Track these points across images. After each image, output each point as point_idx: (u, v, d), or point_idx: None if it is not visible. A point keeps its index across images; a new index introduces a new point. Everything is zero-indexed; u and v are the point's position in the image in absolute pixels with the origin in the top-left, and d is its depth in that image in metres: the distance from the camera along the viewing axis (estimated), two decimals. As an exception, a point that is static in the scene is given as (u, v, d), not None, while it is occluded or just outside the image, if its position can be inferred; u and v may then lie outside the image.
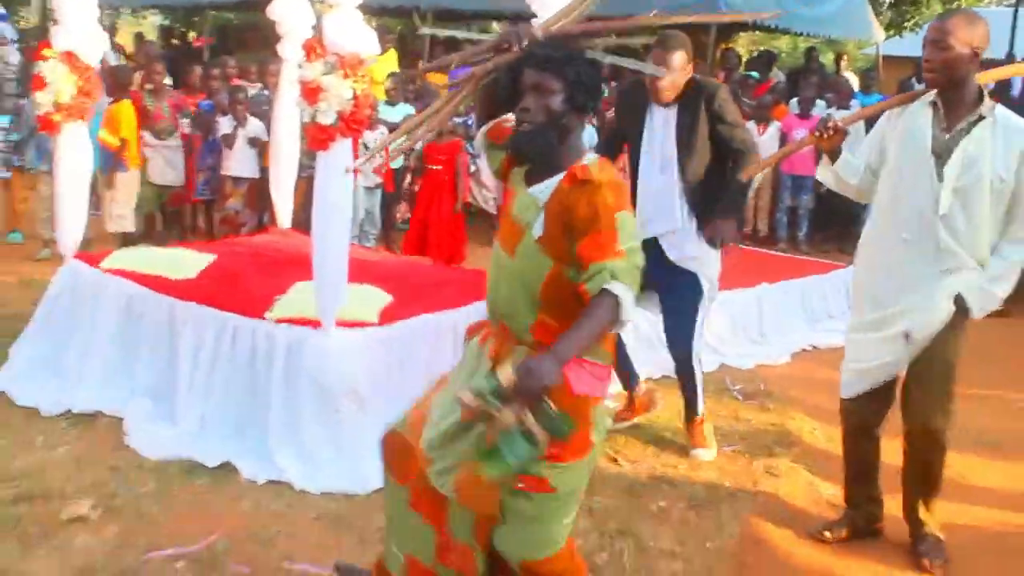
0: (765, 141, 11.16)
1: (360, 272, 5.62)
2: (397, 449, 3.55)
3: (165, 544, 4.38)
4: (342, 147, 5.11)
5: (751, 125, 10.88)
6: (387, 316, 5.46)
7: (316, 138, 5.08)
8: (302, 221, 7.40)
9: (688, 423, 5.76)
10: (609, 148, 5.92)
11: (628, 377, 6.03)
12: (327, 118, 5.01)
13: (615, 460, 5.54)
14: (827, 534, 4.75)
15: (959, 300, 4.29)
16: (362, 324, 5.32)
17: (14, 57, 13.10)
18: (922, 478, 4.61)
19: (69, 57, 6.07)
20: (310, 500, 4.90)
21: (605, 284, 3.02)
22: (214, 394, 5.51)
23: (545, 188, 3.27)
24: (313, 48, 5.07)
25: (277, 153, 7.33)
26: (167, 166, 9.96)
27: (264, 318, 5.38)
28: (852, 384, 4.66)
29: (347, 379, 5.15)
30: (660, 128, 5.45)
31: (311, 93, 5.01)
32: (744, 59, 15.96)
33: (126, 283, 5.97)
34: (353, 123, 5.06)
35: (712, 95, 5.37)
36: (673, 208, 5.45)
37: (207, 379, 5.53)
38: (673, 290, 5.55)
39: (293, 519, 4.72)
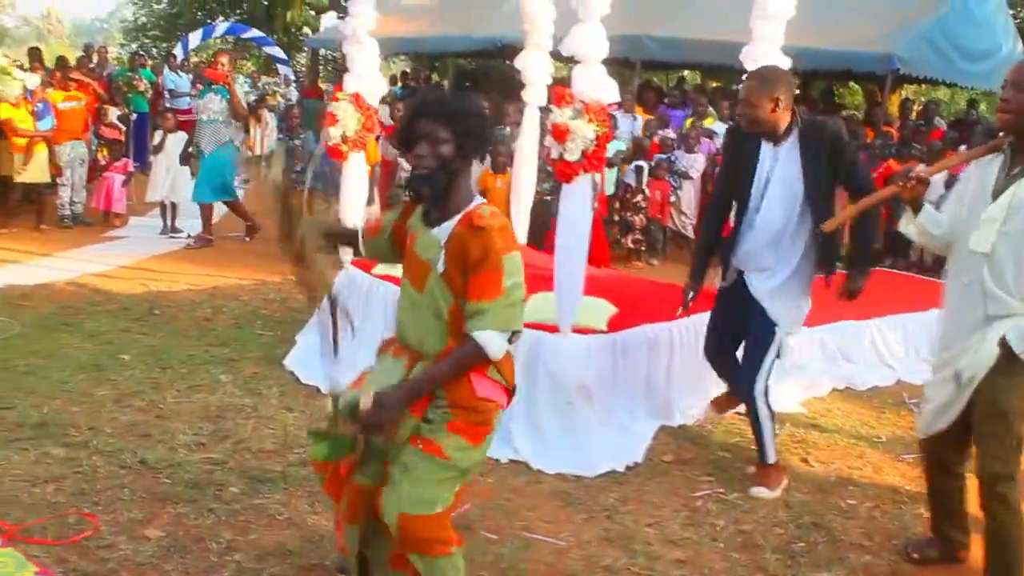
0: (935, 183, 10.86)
1: (592, 286, 5.78)
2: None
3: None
4: (584, 180, 5.31)
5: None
6: (615, 324, 5.61)
7: (563, 172, 5.28)
8: (531, 240, 7.66)
9: (757, 464, 5.17)
10: (720, 198, 5.27)
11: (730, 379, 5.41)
12: (573, 156, 5.20)
13: (806, 461, 5.54)
14: (914, 555, 4.41)
15: (1004, 343, 3.81)
16: (593, 331, 5.49)
17: (293, 96, 13.82)
18: (997, 560, 3.99)
19: (356, 98, 6.47)
20: (544, 479, 5.07)
21: (474, 331, 3.14)
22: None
23: (444, 229, 3.27)
24: (563, 96, 5.27)
25: (518, 181, 7.56)
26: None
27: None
28: (924, 424, 4.28)
29: (579, 377, 5.32)
30: (770, 165, 4.85)
31: (560, 134, 5.21)
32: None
33: (391, 287, 6.28)
34: (594, 160, 5.25)
35: (829, 132, 4.87)
36: (779, 247, 4.89)
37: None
38: (748, 328, 5.04)
39: (530, 494, 4.89)
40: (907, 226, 4.25)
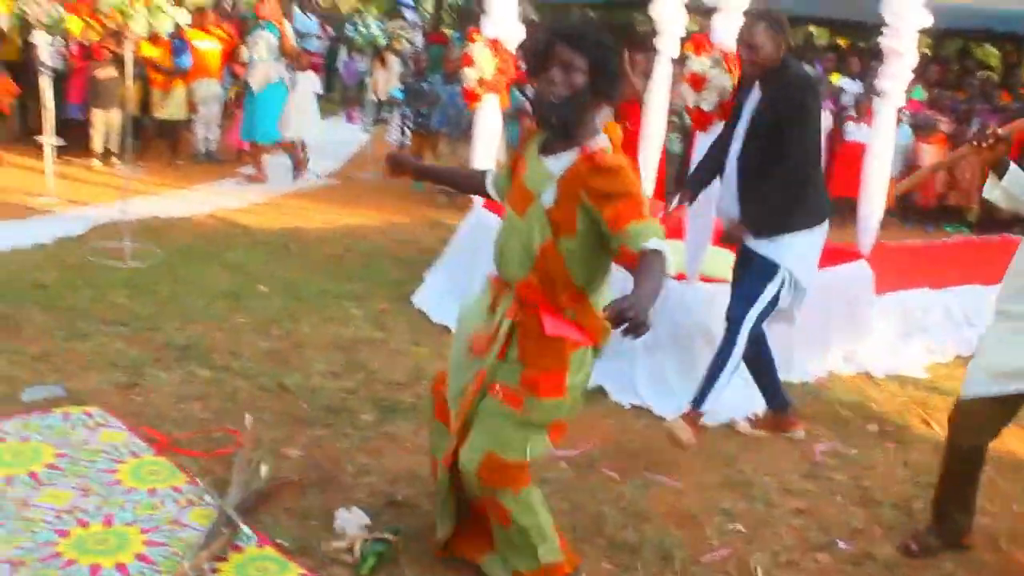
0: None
1: (718, 238, 5.82)
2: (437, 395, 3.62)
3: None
4: (718, 129, 5.33)
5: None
6: (740, 275, 5.66)
7: (698, 121, 5.32)
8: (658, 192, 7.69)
9: (692, 404, 4.78)
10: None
11: (773, 396, 5.18)
12: (709, 104, 5.24)
13: (927, 423, 5.53)
14: (913, 547, 4.06)
15: None
16: (719, 280, 5.55)
17: (418, 40, 13.96)
18: None
19: (494, 43, 6.59)
20: (664, 424, 5.18)
21: (648, 244, 2.85)
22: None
23: (559, 162, 3.16)
24: (702, 44, 5.30)
25: (647, 132, 7.57)
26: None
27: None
28: (978, 384, 3.85)
29: (703, 324, 5.39)
30: (747, 110, 4.75)
31: (697, 83, 5.25)
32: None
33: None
34: (730, 109, 5.26)
35: (793, 84, 4.60)
36: (733, 196, 4.81)
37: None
38: (745, 266, 4.84)
39: (650, 437, 4.99)
40: (992, 190, 3.85)
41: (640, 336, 2.62)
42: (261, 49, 10.53)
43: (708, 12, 5.64)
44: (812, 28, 19.57)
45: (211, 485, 4.02)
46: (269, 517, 3.84)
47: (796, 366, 5.90)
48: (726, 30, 5.27)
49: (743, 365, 4.89)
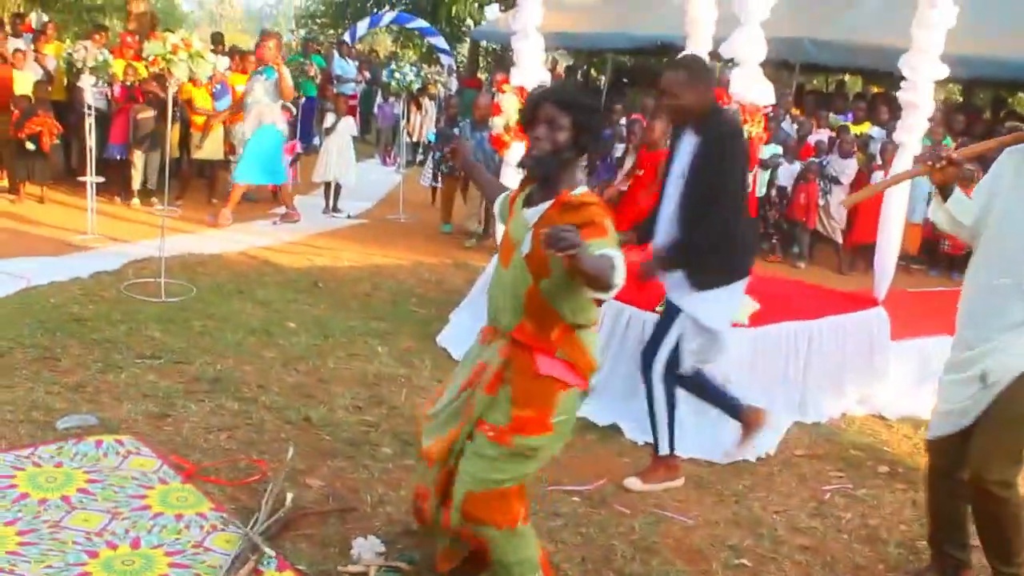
0: None
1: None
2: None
3: (564, 481, 4.89)
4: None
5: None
6: (756, 320, 5.80)
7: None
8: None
9: (652, 455, 5.03)
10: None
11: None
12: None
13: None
14: None
15: None
16: (736, 324, 5.68)
17: (454, 85, 14.23)
18: (991, 539, 3.99)
19: (521, 91, 6.81)
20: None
21: (601, 250, 3.07)
22: (606, 368, 5.98)
23: (535, 212, 3.39)
24: (720, 97, 5.48)
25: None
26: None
27: (655, 311, 5.82)
28: (936, 426, 4.07)
29: (720, 366, 5.51)
30: (680, 153, 4.79)
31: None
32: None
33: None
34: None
35: (719, 130, 4.66)
36: (665, 236, 4.85)
37: (602, 356, 6.00)
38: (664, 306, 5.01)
39: (663, 475, 5.14)
40: (935, 213, 3.98)
41: (565, 251, 2.87)
42: (257, 92, 10.51)
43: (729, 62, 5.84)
44: (847, 76, 19.74)
45: (236, 512, 4.20)
46: (290, 543, 4.00)
47: (810, 407, 6.03)
48: (744, 82, 5.45)
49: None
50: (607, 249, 3.11)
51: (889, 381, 6.52)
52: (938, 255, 11.82)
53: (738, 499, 4.92)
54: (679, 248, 4.75)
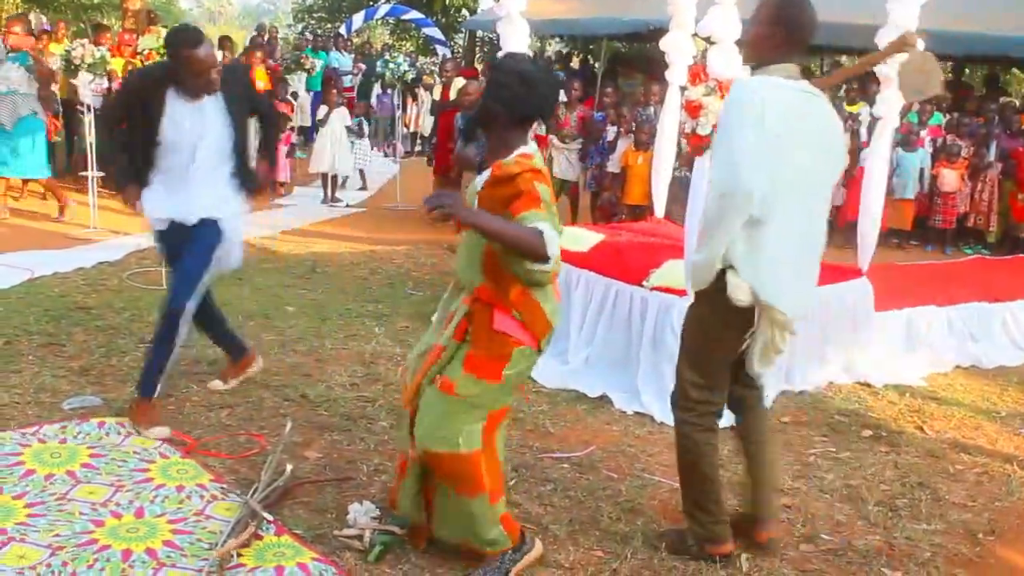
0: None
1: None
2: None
3: (554, 449, 5.05)
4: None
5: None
6: (739, 291, 5.93)
7: (695, 145, 5.61)
8: (671, 212, 7.99)
9: (136, 400, 5.01)
10: None
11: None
12: (704, 130, 5.53)
13: (921, 429, 5.74)
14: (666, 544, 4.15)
15: None
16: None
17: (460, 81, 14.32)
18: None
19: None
20: (666, 430, 5.34)
21: (531, 222, 3.29)
22: (596, 341, 6.15)
23: (481, 179, 3.58)
24: (698, 74, 5.61)
25: (658, 157, 7.89)
26: (568, 165, 10.83)
27: (641, 285, 5.97)
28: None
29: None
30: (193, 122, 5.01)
31: (693, 110, 5.54)
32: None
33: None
34: (725, 134, 5.56)
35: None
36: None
37: (592, 329, 6.19)
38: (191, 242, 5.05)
39: (652, 443, 5.27)
40: None
41: (440, 217, 3.22)
42: (13, 80, 9.89)
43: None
44: (844, 58, 19.80)
45: (236, 483, 4.36)
46: (288, 510, 4.15)
47: (796, 376, 6.16)
48: (720, 59, 5.57)
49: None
50: (537, 221, 3.30)
51: (874, 350, 6.65)
52: (930, 230, 11.95)
53: (723, 464, 5.02)
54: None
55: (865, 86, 13.66)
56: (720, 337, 3.91)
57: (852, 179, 11.50)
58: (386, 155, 17.46)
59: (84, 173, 10.16)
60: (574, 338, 6.24)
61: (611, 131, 10.98)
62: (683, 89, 7.20)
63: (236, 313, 6.89)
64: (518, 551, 3.79)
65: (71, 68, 10.22)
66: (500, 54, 7.21)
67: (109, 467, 4.44)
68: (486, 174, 3.57)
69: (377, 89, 18.17)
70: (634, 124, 10.64)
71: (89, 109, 10.16)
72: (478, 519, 3.69)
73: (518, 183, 3.42)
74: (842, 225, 11.50)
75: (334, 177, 12.38)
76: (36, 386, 5.32)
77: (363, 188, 13.25)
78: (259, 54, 12.75)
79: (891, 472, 5.10)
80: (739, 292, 3.73)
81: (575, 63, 21.49)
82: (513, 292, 3.54)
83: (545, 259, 3.31)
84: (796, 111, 3.73)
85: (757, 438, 4.23)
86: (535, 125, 3.95)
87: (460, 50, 24.92)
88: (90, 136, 10.06)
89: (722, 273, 3.75)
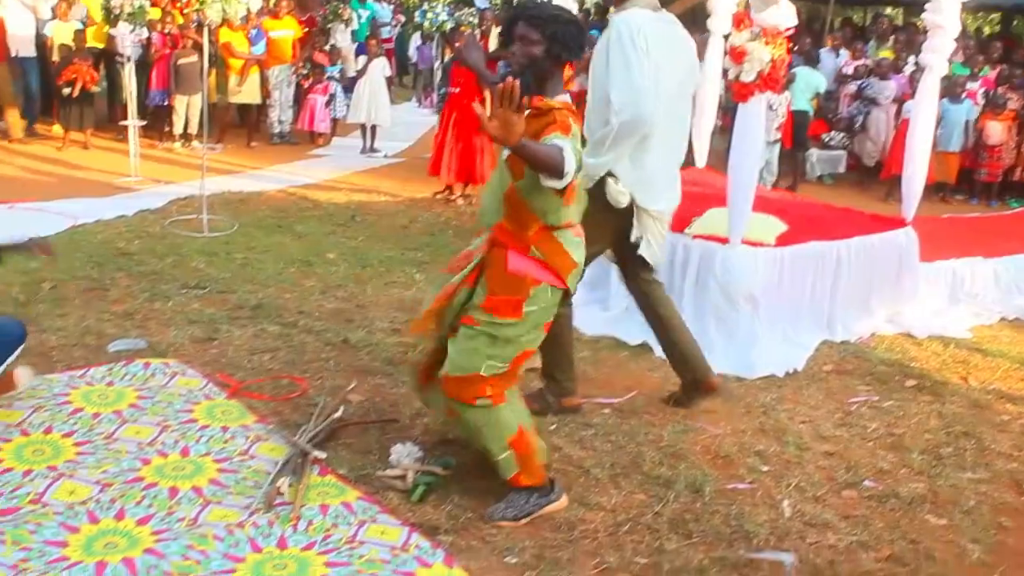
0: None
1: (764, 205, 6.06)
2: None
3: (596, 395, 5.04)
4: (758, 101, 5.56)
5: None
6: (783, 240, 5.88)
7: (739, 93, 5.54)
8: (713, 162, 7.92)
9: None
10: None
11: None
12: (748, 76, 5.46)
13: (965, 379, 5.69)
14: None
15: None
16: (762, 244, 5.77)
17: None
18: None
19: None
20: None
21: (554, 140, 3.40)
22: (637, 290, 6.13)
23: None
24: (742, 19, 5.52)
25: (701, 106, 7.79)
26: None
27: (683, 233, 5.93)
28: None
29: (746, 286, 5.62)
30: None
31: (737, 56, 5.47)
32: None
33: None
34: (769, 82, 5.49)
35: None
36: None
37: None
38: None
39: (693, 389, 5.27)
40: None
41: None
42: None
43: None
44: (888, 9, 19.45)
45: (278, 425, 4.39)
46: (331, 452, 4.18)
47: (839, 326, 6.12)
48: (765, 5, 5.47)
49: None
50: (559, 140, 3.41)
51: (919, 301, 6.59)
52: (976, 184, 11.78)
53: (766, 411, 5.04)
54: None
55: (911, 36, 13.47)
56: (599, 226, 4.33)
57: (897, 133, 11.38)
58: (420, 104, 17.40)
59: (124, 122, 10.20)
60: (615, 285, 6.19)
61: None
62: (726, 38, 7.13)
63: (277, 260, 6.94)
64: (543, 496, 3.84)
65: (111, 17, 10.24)
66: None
67: (155, 408, 4.48)
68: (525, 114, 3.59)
69: (416, 40, 18.08)
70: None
71: (128, 59, 10.18)
72: (477, 429, 3.78)
73: (554, 115, 3.53)
74: (885, 178, 11.40)
75: (373, 127, 12.34)
76: (82, 329, 5.37)
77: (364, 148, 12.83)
78: (284, 3, 12.63)
79: (935, 421, 5.06)
80: (621, 197, 4.45)
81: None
82: (532, 230, 3.62)
83: (560, 175, 3.39)
84: (666, 39, 4.44)
85: (664, 307, 4.84)
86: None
87: (498, 1, 24.69)
88: (130, 86, 10.09)
89: (601, 179, 4.42)
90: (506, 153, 3.61)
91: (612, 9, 4.62)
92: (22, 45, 11.49)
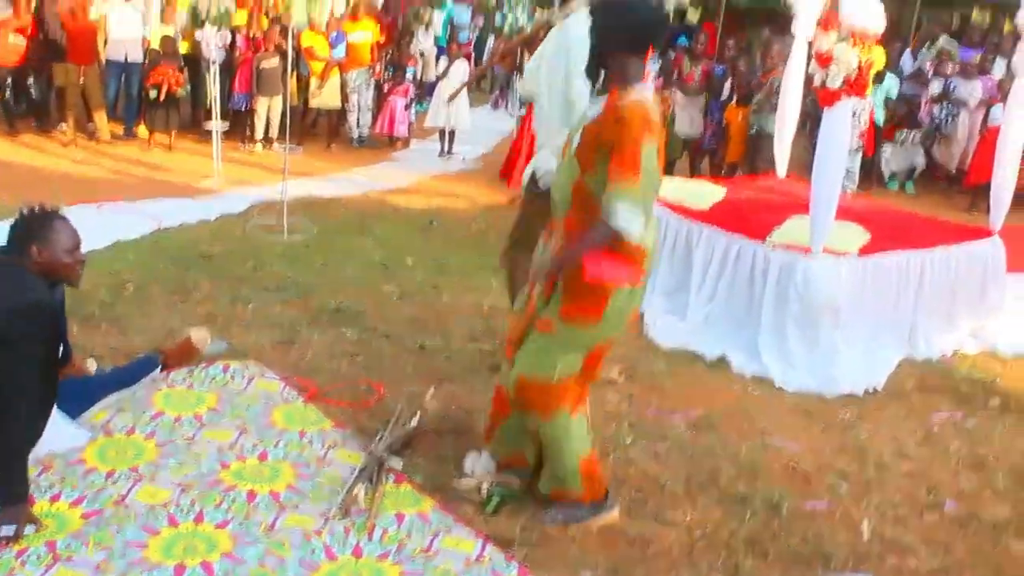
0: None
1: (845, 212, 5.95)
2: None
3: (669, 407, 5.00)
4: (844, 106, 5.46)
5: None
6: (866, 250, 5.77)
7: (824, 98, 5.45)
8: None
9: None
10: None
11: None
12: (835, 82, 5.36)
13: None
14: None
15: None
16: (845, 254, 5.67)
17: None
18: None
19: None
20: (785, 394, 5.34)
21: (608, 214, 3.36)
22: (717, 299, 6.06)
23: (593, 109, 3.58)
24: (828, 22, 5.43)
25: (783, 114, 7.70)
26: (690, 122, 10.67)
27: (763, 242, 5.86)
28: None
29: (828, 298, 5.53)
30: None
31: (823, 60, 5.38)
32: None
33: (657, 207, 6.65)
34: (856, 87, 5.39)
35: None
36: None
37: (713, 287, 6.09)
38: None
39: (771, 405, 5.20)
40: None
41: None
42: None
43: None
44: (975, 12, 18.98)
45: (355, 431, 4.42)
46: (407, 460, 4.19)
47: (921, 341, 5.99)
48: (854, 6, 5.36)
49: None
50: (620, 200, 3.35)
51: (1004, 314, 6.42)
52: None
53: (845, 428, 4.95)
54: None
55: (1000, 42, 13.15)
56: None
57: (981, 139, 11.11)
58: (495, 107, 17.42)
59: (208, 125, 10.37)
60: (694, 295, 6.15)
61: (727, 87, 10.76)
62: (809, 44, 7.02)
63: (356, 264, 7.00)
64: (597, 509, 3.82)
65: (198, 22, 10.43)
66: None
67: (234, 412, 4.53)
68: (600, 104, 3.55)
69: (493, 44, 18.12)
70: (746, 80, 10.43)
71: (213, 62, 10.36)
72: (555, 443, 3.76)
73: (623, 134, 3.38)
74: (968, 186, 11.12)
75: (451, 131, 12.39)
76: (166, 331, 5.45)
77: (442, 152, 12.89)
78: (362, 7, 12.72)
79: (1021, 443, 4.92)
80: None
81: (692, 16, 21.00)
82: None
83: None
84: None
85: None
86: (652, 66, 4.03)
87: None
88: (214, 90, 10.26)
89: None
90: (575, 145, 3.58)
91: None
92: (131, 48, 11.55)
